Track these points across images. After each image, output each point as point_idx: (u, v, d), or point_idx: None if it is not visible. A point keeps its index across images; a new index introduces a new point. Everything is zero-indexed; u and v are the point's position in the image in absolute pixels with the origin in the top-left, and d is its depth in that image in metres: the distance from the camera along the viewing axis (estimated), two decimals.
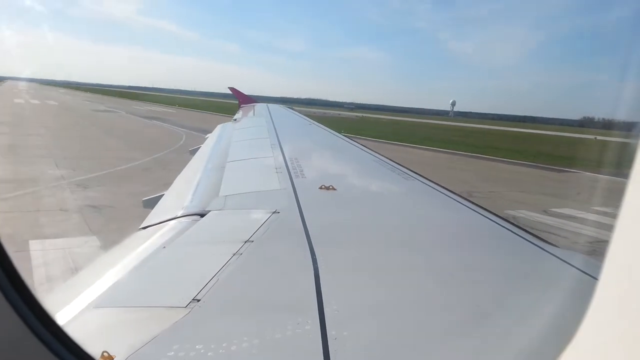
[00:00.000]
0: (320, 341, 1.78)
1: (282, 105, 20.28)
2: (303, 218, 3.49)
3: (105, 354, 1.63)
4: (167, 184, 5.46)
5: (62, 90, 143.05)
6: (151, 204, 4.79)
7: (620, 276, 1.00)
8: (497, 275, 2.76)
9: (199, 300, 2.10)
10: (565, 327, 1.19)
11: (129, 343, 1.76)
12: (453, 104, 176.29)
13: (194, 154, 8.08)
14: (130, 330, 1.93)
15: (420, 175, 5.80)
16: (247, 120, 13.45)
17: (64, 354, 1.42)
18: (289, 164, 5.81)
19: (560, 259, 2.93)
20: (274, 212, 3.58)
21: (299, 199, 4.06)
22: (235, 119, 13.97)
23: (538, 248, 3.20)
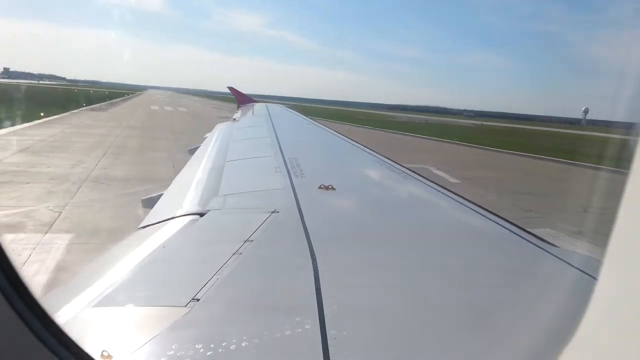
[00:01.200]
0: (320, 341, 1.78)
1: (281, 105, 20.05)
2: (302, 218, 3.48)
3: (104, 353, 1.64)
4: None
5: (195, 98, 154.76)
6: (150, 203, 4.82)
7: (619, 275, 1.01)
8: (497, 275, 2.75)
9: (198, 300, 2.11)
10: (564, 327, 1.19)
11: (128, 343, 1.77)
12: (586, 111, 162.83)
13: (193, 153, 8.12)
14: (129, 329, 1.94)
15: (420, 175, 5.81)
16: (246, 120, 13.51)
17: (63, 353, 1.43)
18: (288, 163, 5.80)
19: (559, 258, 2.92)
20: (273, 212, 3.58)
21: (299, 199, 4.06)
22: (235, 119, 13.99)
23: (537, 247, 3.19)
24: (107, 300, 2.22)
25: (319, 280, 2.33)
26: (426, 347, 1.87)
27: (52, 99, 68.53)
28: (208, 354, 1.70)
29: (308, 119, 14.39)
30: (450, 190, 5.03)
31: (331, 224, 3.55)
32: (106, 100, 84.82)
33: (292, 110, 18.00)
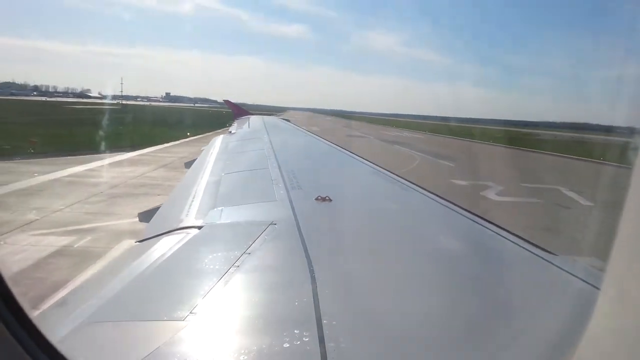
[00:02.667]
0: (319, 353, 1.77)
1: (277, 117, 19.31)
2: (300, 229, 3.50)
3: None
4: None
5: (329, 118, 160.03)
6: (147, 217, 4.84)
7: (622, 284, 1.00)
8: (496, 285, 2.75)
9: (197, 314, 2.10)
10: (568, 336, 1.19)
11: (126, 358, 1.76)
12: None
13: (190, 166, 8.09)
14: (127, 345, 1.93)
15: (417, 186, 5.77)
16: (243, 132, 13.39)
17: None
18: (284, 175, 5.80)
19: (561, 268, 2.91)
20: (270, 224, 3.58)
21: (295, 210, 4.06)
22: (231, 131, 13.93)
23: (537, 257, 3.17)
24: (104, 316, 2.21)
25: (317, 292, 2.33)
26: (426, 358, 1.88)
27: (201, 120, 75.79)
28: None
29: (304, 130, 14.34)
30: (447, 200, 5.02)
31: (328, 235, 3.56)
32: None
33: (288, 122, 17.88)
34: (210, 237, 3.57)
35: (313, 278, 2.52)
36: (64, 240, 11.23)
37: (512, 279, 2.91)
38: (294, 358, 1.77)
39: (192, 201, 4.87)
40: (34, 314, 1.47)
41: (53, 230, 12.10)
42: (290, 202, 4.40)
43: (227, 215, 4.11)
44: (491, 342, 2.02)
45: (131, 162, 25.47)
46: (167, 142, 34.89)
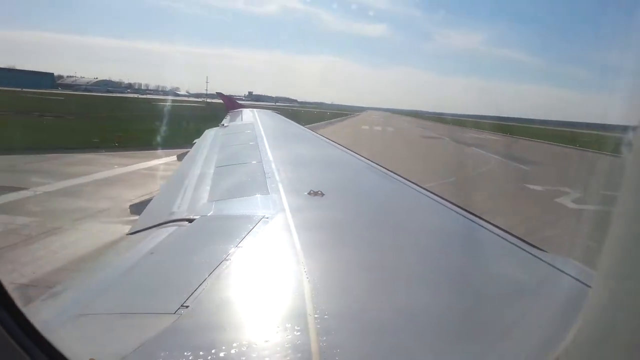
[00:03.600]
0: (310, 346, 1.78)
1: (271, 111, 19.35)
2: (292, 223, 3.48)
3: None
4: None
5: (408, 118, 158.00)
6: (139, 209, 4.80)
7: (612, 283, 1.02)
8: (488, 281, 2.75)
9: (187, 307, 2.09)
10: (557, 334, 1.21)
11: (116, 350, 1.74)
12: None
13: (182, 159, 8.00)
14: (117, 337, 1.93)
15: (408, 180, 5.73)
16: (235, 126, 13.19)
17: None
18: (277, 169, 5.74)
19: (553, 266, 2.90)
20: (262, 218, 3.57)
21: (288, 205, 4.03)
22: (224, 124, 13.69)
23: (528, 254, 3.17)
24: (95, 308, 2.20)
25: (308, 286, 2.33)
26: (417, 352, 1.89)
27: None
28: None
29: (297, 124, 14.17)
30: (440, 196, 4.98)
31: (320, 229, 3.54)
32: (324, 120, 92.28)
33: (281, 116, 17.73)
34: (202, 230, 3.56)
35: (304, 272, 2.52)
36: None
37: (503, 275, 2.91)
38: (286, 351, 1.77)
39: (184, 194, 4.84)
40: (25, 306, 1.48)
41: (122, 218, 12.89)
42: (283, 196, 4.38)
43: (219, 209, 4.10)
44: (481, 338, 2.02)
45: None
46: None
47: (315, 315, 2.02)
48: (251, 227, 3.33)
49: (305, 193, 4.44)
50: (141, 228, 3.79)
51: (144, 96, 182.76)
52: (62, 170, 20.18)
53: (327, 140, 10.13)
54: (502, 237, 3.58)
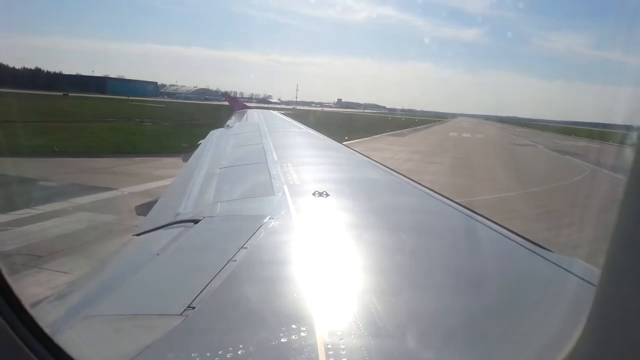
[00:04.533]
0: (317, 347, 1.78)
1: (275, 111, 19.05)
2: (297, 224, 3.48)
3: None
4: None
5: (499, 125, 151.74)
6: (145, 210, 4.84)
7: (617, 282, 1.02)
8: (493, 281, 2.74)
9: (194, 308, 2.10)
10: (563, 333, 1.20)
11: (123, 352, 1.75)
12: None
13: (187, 160, 7.98)
14: (124, 338, 1.93)
15: (413, 181, 5.70)
16: (241, 126, 13.02)
17: None
18: (282, 169, 5.69)
19: (558, 266, 2.89)
20: (268, 218, 3.55)
21: (293, 205, 4.02)
22: (229, 125, 13.54)
23: (534, 254, 3.15)
24: (102, 309, 2.21)
25: (314, 287, 2.33)
26: (423, 353, 1.88)
27: (365, 125, 77.62)
28: None
29: (302, 125, 13.98)
30: (444, 197, 4.98)
31: (326, 230, 3.53)
32: (410, 127, 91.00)
33: (286, 117, 17.46)
34: (208, 231, 3.57)
35: (310, 272, 2.53)
36: None
37: (509, 275, 2.90)
38: (292, 352, 1.77)
39: (190, 195, 4.85)
40: (32, 308, 1.49)
41: None
42: (288, 196, 4.36)
43: (225, 209, 4.10)
44: (487, 338, 2.02)
45: None
46: None
47: (322, 316, 2.02)
48: (256, 228, 3.32)
49: (310, 193, 4.42)
50: (147, 229, 3.81)
51: None
52: (149, 173, 21.53)
53: (334, 141, 10.09)
54: (508, 238, 3.55)
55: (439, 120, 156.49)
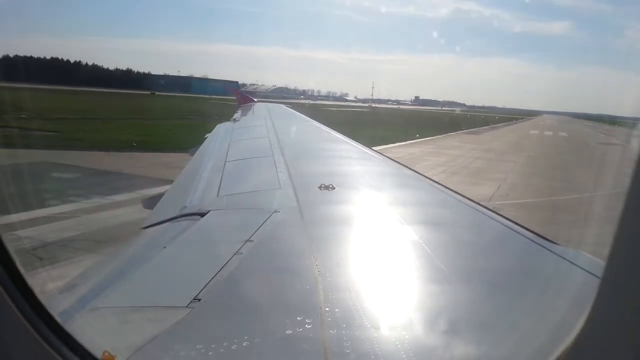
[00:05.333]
0: (321, 340, 1.79)
1: (282, 105, 18.68)
2: (303, 217, 3.49)
3: (106, 353, 1.64)
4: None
5: (589, 123, 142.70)
6: (151, 204, 4.86)
7: (622, 275, 1.03)
8: (498, 274, 2.74)
9: (199, 300, 2.12)
10: (567, 325, 1.21)
11: (130, 342, 1.77)
12: None
13: (194, 154, 7.95)
14: (131, 329, 1.95)
15: (420, 174, 5.67)
16: (247, 120, 12.96)
17: (65, 352, 1.45)
18: (288, 163, 5.68)
19: (563, 258, 2.88)
20: (274, 212, 3.57)
21: (299, 198, 4.01)
22: (235, 119, 13.43)
23: (539, 246, 3.15)
24: (110, 301, 2.24)
25: (319, 280, 2.34)
26: (427, 346, 1.88)
27: (440, 123, 76.02)
28: (209, 353, 1.71)
29: (308, 119, 13.89)
30: (451, 190, 4.97)
31: (332, 223, 3.54)
32: (489, 125, 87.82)
33: (293, 110, 17.30)
34: (214, 224, 3.59)
35: (316, 266, 2.53)
36: None
37: (514, 268, 2.89)
38: (296, 344, 1.79)
39: (196, 188, 4.88)
40: (45, 300, 1.53)
41: None
42: (294, 189, 4.36)
43: (231, 203, 4.14)
44: (492, 331, 2.02)
45: None
46: (386, 143, 36.02)
47: (327, 309, 2.03)
48: (262, 221, 3.34)
49: (317, 186, 4.41)
50: (154, 222, 3.85)
51: (314, 101, 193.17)
52: None
53: (340, 135, 9.97)
54: (513, 230, 3.54)
55: (522, 118, 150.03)
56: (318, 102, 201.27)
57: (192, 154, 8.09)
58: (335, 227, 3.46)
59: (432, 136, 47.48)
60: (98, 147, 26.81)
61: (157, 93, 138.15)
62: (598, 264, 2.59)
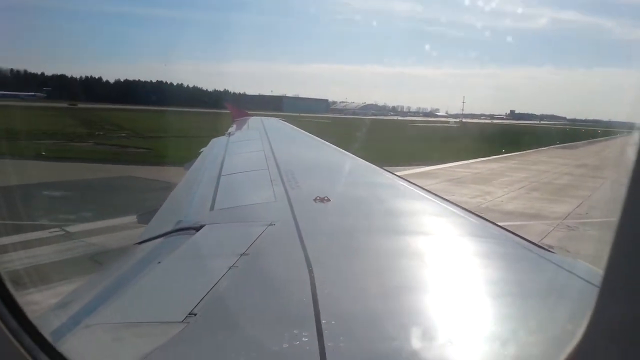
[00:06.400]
0: (318, 353, 1.77)
1: (276, 118, 18.59)
2: (298, 230, 3.47)
3: None
4: None
5: None
6: (146, 219, 4.85)
7: (620, 284, 1.03)
8: (495, 283, 2.75)
9: (195, 315, 2.10)
10: (565, 334, 1.24)
11: (125, 359, 1.76)
12: None
13: (189, 168, 7.97)
14: (126, 346, 1.93)
15: (415, 185, 5.73)
16: (241, 134, 12.99)
17: None
18: (283, 176, 5.70)
19: (561, 267, 2.91)
20: (269, 225, 3.56)
21: (294, 211, 4.01)
22: (229, 133, 13.34)
23: (535, 255, 3.19)
24: (104, 317, 2.22)
25: (315, 293, 2.32)
26: (426, 358, 1.87)
27: (533, 138, 72.32)
28: None
29: (303, 131, 13.98)
30: (447, 201, 4.98)
31: (327, 235, 3.54)
32: (588, 139, 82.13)
33: (287, 123, 17.38)
34: (209, 238, 3.58)
35: (312, 278, 2.51)
36: None
37: (511, 276, 2.91)
38: (293, 358, 1.77)
39: (191, 202, 4.90)
40: (34, 316, 1.52)
41: None
42: (289, 202, 4.37)
43: (226, 216, 4.13)
44: (489, 340, 2.01)
45: (417, 176, 26.81)
46: (467, 158, 34.81)
47: (323, 322, 2.01)
48: (258, 234, 3.33)
49: (312, 199, 4.41)
50: (149, 237, 3.85)
51: (403, 118, 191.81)
52: None
53: (335, 147, 10.05)
54: (510, 239, 3.57)
55: (628, 132, 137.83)
56: (407, 118, 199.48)
57: (187, 168, 8.15)
58: (331, 239, 3.46)
59: (519, 151, 45.30)
60: (179, 164, 28.47)
61: (249, 112, 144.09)
62: (596, 272, 2.59)
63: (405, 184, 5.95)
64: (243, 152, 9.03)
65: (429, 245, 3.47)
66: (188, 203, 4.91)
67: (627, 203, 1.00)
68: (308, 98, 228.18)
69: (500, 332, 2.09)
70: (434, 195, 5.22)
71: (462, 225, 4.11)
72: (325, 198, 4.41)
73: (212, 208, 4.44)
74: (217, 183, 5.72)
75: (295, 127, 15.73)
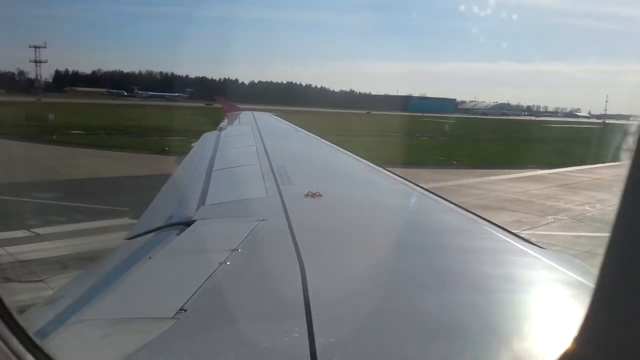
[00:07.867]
0: (309, 348, 1.77)
1: (268, 113, 18.84)
2: (290, 225, 3.47)
3: None
4: None
5: None
6: (137, 214, 4.83)
7: (616, 282, 1.03)
8: (488, 280, 2.77)
9: (185, 311, 2.09)
10: (559, 332, 1.23)
11: (114, 356, 1.75)
12: None
13: (180, 163, 7.97)
14: (115, 343, 1.91)
15: (407, 180, 5.75)
16: (233, 129, 12.90)
17: None
18: (275, 171, 5.71)
19: (554, 265, 2.93)
20: (260, 220, 3.56)
21: (286, 206, 4.02)
22: (221, 127, 13.27)
23: (526, 251, 3.22)
24: (92, 314, 2.19)
25: (306, 288, 2.32)
26: (416, 353, 1.88)
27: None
28: None
29: (295, 126, 13.79)
30: (438, 195, 5.00)
31: (318, 231, 3.55)
32: None
33: (279, 118, 17.12)
34: (200, 234, 3.57)
35: (303, 274, 2.51)
36: None
37: (504, 273, 2.91)
38: (284, 354, 1.77)
39: (182, 198, 4.88)
40: (19, 314, 1.50)
41: None
42: (281, 197, 4.40)
43: (217, 212, 4.12)
44: (481, 337, 2.01)
45: (526, 179, 25.44)
46: (567, 165, 32.33)
47: (314, 318, 2.01)
48: (249, 229, 3.33)
49: (303, 194, 4.43)
50: (139, 232, 3.84)
51: (538, 118, 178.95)
52: None
53: (327, 142, 9.97)
54: (502, 235, 3.59)
55: None
56: (541, 118, 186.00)
57: (179, 163, 8.15)
58: (322, 234, 3.48)
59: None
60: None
61: (372, 112, 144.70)
62: (589, 270, 2.62)
63: (396, 179, 5.94)
64: (234, 147, 8.95)
65: (420, 240, 3.48)
66: (179, 198, 4.89)
67: (623, 202, 0.99)
68: (434, 98, 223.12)
69: (492, 329, 2.08)
70: (425, 191, 5.24)
71: (454, 221, 4.12)
72: (317, 193, 4.42)
73: (203, 203, 4.44)
74: (209, 178, 5.72)
75: (287, 122, 15.37)
